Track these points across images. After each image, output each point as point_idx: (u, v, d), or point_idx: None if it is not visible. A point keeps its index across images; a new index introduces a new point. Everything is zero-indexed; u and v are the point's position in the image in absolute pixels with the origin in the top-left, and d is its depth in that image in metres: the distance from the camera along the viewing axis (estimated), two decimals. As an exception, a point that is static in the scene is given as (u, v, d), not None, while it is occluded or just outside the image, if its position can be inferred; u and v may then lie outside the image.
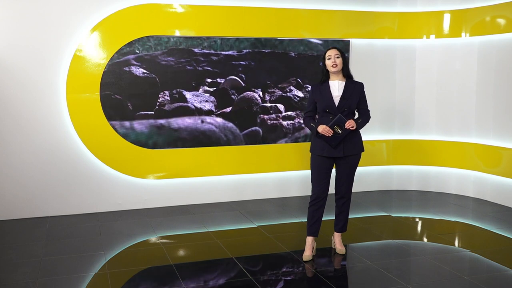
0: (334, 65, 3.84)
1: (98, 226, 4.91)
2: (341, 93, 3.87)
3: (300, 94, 5.95)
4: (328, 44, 5.94)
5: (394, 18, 6.21)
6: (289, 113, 5.94)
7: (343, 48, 5.93)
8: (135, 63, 5.34)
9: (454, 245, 4.43)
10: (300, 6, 5.85)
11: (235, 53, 5.68)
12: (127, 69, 5.33)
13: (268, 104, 5.86)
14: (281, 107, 5.91)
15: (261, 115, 5.84)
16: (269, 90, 5.85)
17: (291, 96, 5.93)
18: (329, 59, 3.87)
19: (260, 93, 5.81)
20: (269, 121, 5.87)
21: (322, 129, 3.80)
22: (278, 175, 6.03)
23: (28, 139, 5.14)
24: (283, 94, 5.89)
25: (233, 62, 5.68)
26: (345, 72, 3.91)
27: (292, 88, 5.91)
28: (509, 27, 5.46)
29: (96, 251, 4.20)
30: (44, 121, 5.16)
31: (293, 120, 5.96)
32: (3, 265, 3.92)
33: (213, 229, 4.79)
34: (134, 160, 5.46)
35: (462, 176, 6.15)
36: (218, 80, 5.65)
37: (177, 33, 5.45)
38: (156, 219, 5.15)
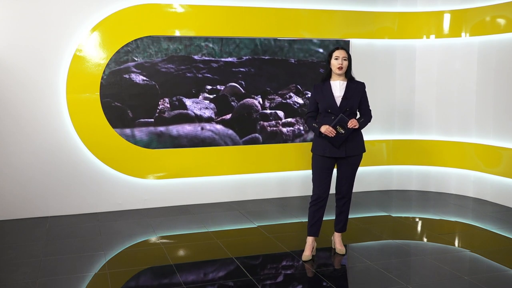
0: (340, 67, 3.84)
1: (98, 226, 4.91)
2: (342, 93, 3.87)
3: (300, 100, 5.97)
4: (327, 44, 5.95)
5: (394, 18, 6.21)
6: (289, 119, 5.95)
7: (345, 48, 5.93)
8: (135, 70, 5.35)
9: (454, 245, 4.43)
10: (300, 6, 5.85)
11: (235, 60, 5.69)
12: (127, 77, 5.34)
13: (268, 111, 5.87)
14: (281, 113, 5.92)
15: (261, 122, 5.85)
16: (269, 97, 5.86)
17: (291, 102, 5.94)
18: (336, 59, 3.86)
19: (260, 99, 5.82)
20: (269, 127, 5.88)
21: (325, 129, 3.79)
22: (279, 175, 6.03)
23: (28, 139, 5.14)
24: (283, 101, 5.91)
25: (233, 69, 5.69)
26: (348, 75, 3.92)
27: (292, 94, 5.92)
28: (509, 27, 5.46)
29: (96, 251, 4.20)
30: (44, 121, 5.16)
31: (293, 127, 5.97)
32: (3, 265, 3.92)
33: (213, 229, 4.79)
34: (134, 160, 5.46)
35: (462, 176, 6.15)
36: (218, 87, 5.65)
37: (177, 33, 5.45)
38: (156, 219, 5.15)
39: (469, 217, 5.31)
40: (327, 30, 5.98)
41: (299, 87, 5.94)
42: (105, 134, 5.32)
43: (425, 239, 4.65)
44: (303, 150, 5.96)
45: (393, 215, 5.34)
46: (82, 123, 5.24)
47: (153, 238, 4.57)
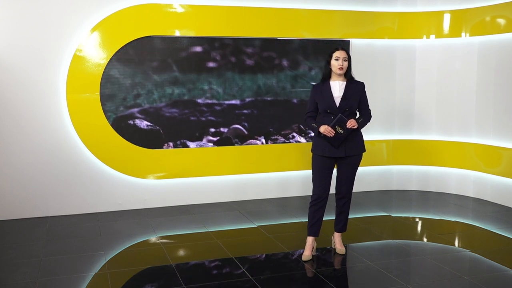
0: (341, 68, 3.85)
1: (98, 226, 4.91)
2: (342, 93, 3.87)
3: (303, 140, 6.00)
4: (328, 44, 5.96)
5: (394, 18, 6.21)
6: None
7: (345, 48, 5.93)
8: (139, 116, 5.40)
9: (454, 245, 4.43)
10: (300, 6, 5.85)
11: (238, 102, 5.72)
12: (132, 122, 5.38)
13: None
14: None
15: None
16: (272, 137, 5.91)
17: (294, 142, 5.98)
18: (336, 60, 3.86)
19: (263, 140, 5.86)
20: None
21: (324, 129, 3.79)
22: (279, 175, 6.03)
23: (28, 139, 5.14)
24: (286, 141, 5.95)
25: (236, 111, 5.73)
26: (348, 75, 3.92)
27: (294, 134, 5.96)
28: (509, 27, 5.46)
29: (96, 251, 4.20)
30: (44, 121, 5.16)
31: None
32: (3, 265, 3.92)
33: (213, 229, 4.80)
34: (134, 160, 5.46)
35: (462, 176, 6.15)
36: (222, 129, 5.69)
37: (177, 33, 5.45)
38: (156, 219, 5.15)
39: (469, 217, 5.31)
40: (327, 30, 5.98)
41: (301, 127, 5.97)
42: (105, 134, 5.32)
43: (425, 239, 4.65)
44: (303, 150, 5.97)
45: (393, 215, 5.34)
46: (82, 123, 5.24)
47: (153, 238, 4.57)
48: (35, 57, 5.06)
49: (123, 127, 5.36)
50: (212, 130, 5.66)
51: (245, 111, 5.73)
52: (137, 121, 5.39)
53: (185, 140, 5.57)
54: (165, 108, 5.48)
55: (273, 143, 5.87)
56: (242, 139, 5.79)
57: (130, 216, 5.26)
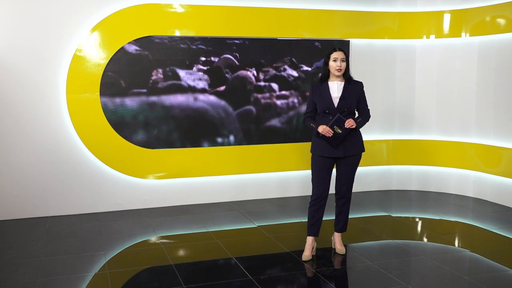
0: (339, 70, 3.85)
1: (98, 226, 4.91)
2: (340, 94, 3.87)
3: (295, 73, 5.89)
4: (329, 44, 5.95)
5: (394, 18, 6.21)
6: (283, 92, 5.89)
7: (343, 47, 5.93)
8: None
9: (454, 245, 4.43)
10: (300, 6, 5.85)
11: None
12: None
13: (262, 83, 5.82)
14: (275, 86, 5.87)
15: (255, 94, 5.81)
16: (263, 69, 5.80)
17: (285, 75, 5.87)
18: (334, 61, 3.87)
19: (255, 72, 5.77)
20: (262, 100, 5.83)
21: (323, 129, 3.80)
22: (278, 175, 6.03)
23: (28, 139, 5.14)
24: (277, 73, 5.84)
25: (228, 41, 5.63)
26: (347, 76, 3.93)
27: (286, 67, 5.86)
28: (509, 27, 5.46)
29: (96, 251, 4.20)
30: (44, 121, 5.16)
31: (287, 99, 5.91)
32: (3, 265, 3.92)
33: (213, 229, 4.80)
34: (134, 160, 5.46)
35: (462, 176, 6.15)
36: (212, 58, 5.61)
37: (177, 33, 5.45)
38: (156, 219, 5.15)
39: (469, 217, 5.31)
40: (327, 30, 5.98)
41: (293, 60, 5.87)
42: (105, 134, 5.32)
43: (425, 239, 4.65)
44: (303, 150, 5.96)
45: (393, 215, 5.34)
46: (82, 123, 5.24)
47: (153, 238, 4.57)
48: (35, 57, 5.06)
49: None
50: (203, 59, 5.58)
51: (236, 41, 5.64)
52: (126, 45, 5.28)
53: (174, 68, 5.48)
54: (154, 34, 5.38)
55: (264, 75, 5.74)
56: (233, 69, 5.69)
57: (130, 216, 5.26)
